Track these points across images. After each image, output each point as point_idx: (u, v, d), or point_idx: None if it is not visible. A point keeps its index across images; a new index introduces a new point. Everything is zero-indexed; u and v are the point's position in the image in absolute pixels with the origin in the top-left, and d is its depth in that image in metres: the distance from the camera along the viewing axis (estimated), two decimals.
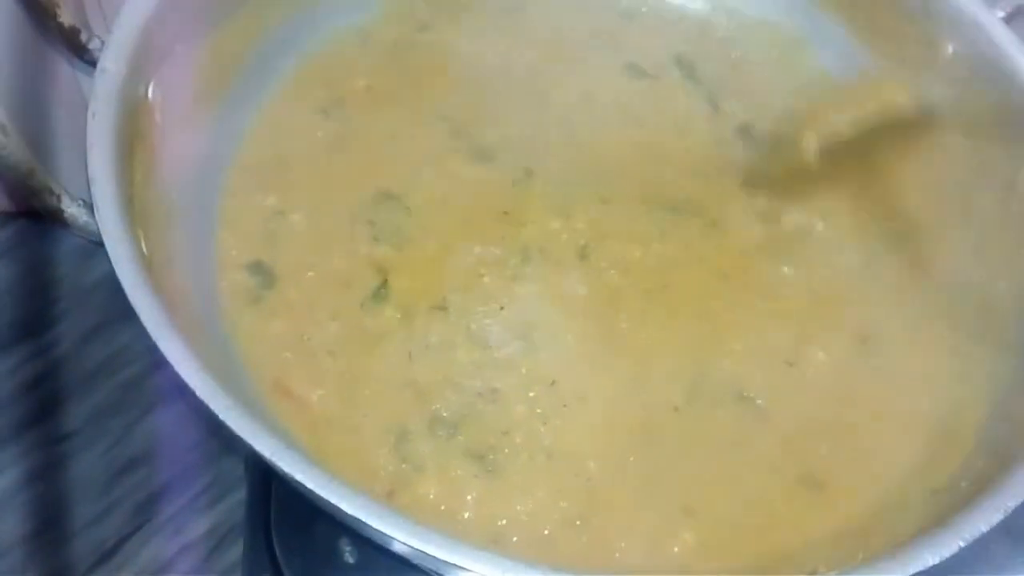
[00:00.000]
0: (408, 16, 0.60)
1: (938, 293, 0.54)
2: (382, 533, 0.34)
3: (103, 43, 0.46)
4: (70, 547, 0.59)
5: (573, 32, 0.62)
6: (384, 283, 0.50)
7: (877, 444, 0.49)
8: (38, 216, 0.66)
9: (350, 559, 0.51)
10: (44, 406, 0.63)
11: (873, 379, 0.51)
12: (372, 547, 0.50)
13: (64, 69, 0.57)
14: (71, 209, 0.42)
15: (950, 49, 0.56)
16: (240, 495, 0.60)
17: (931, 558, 0.37)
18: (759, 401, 0.50)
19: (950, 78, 0.56)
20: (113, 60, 0.45)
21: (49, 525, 0.59)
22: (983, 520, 0.39)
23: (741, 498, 0.47)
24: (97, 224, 0.40)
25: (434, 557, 0.34)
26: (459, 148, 0.56)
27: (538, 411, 0.48)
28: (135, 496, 0.61)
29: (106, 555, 0.59)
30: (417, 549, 0.34)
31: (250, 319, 0.48)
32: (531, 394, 0.48)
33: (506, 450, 0.47)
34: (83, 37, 0.46)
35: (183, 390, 0.37)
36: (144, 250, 0.42)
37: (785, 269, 0.55)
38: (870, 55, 0.60)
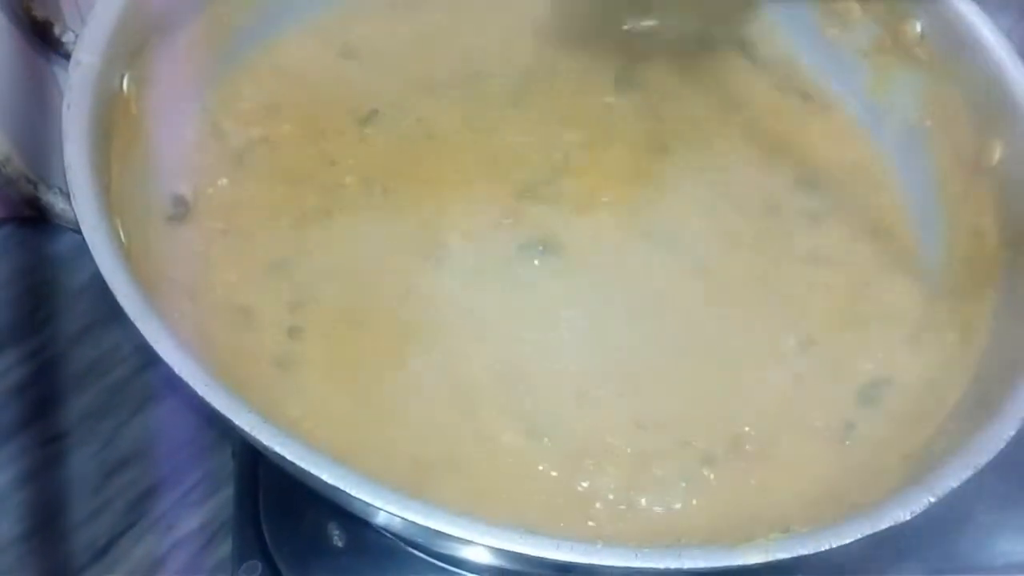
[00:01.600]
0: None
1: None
2: (363, 503, 0.35)
3: (76, 36, 0.46)
4: (63, 547, 0.59)
5: None
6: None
7: None
8: (23, 221, 0.67)
9: (339, 543, 0.51)
10: (35, 408, 0.63)
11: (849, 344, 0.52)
12: (360, 530, 0.51)
13: (39, 62, 0.57)
14: (47, 197, 0.42)
15: (918, 27, 0.56)
16: (230, 491, 0.60)
17: (902, 514, 0.38)
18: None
19: (919, 56, 0.57)
20: (87, 52, 0.45)
21: (42, 526, 0.60)
22: (954, 477, 0.39)
23: None
24: (74, 212, 0.41)
25: (416, 524, 0.35)
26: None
27: None
28: (127, 495, 0.61)
29: (99, 553, 0.59)
30: (400, 517, 0.35)
31: None
32: None
33: None
34: (56, 30, 0.47)
35: (169, 376, 0.37)
36: (122, 238, 0.42)
37: None
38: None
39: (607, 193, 0.55)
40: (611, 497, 0.45)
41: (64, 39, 0.47)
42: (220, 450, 0.62)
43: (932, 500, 0.38)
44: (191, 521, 0.61)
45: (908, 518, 0.37)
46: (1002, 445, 0.41)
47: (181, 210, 0.50)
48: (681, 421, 0.48)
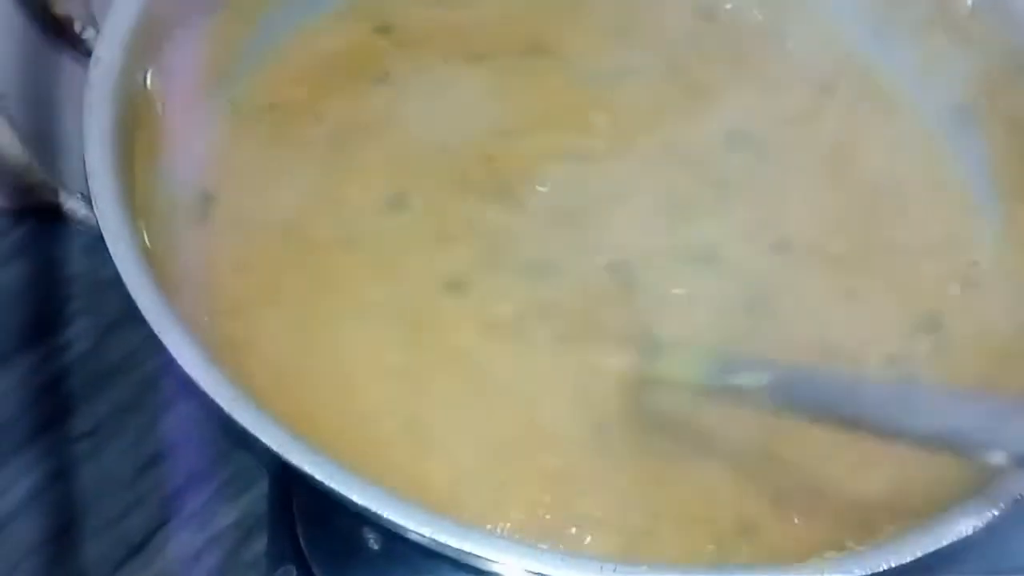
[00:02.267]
0: None
1: None
2: (394, 523, 0.34)
3: (98, 32, 0.45)
4: (97, 544, 0.58)
5: None
6: None
7: None
8: (47, 213, 0.66)
9: (375, 546, 0.50)
10: (64, 405, 0.63)
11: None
12: (396, 534, 0.50)
13: (61, 60, 0.56)
14: (69, 204, 0.41)
15: (969, 2, 0.55)
16: (265, 485, 0.59)
17: (964, 528, 0.36)
18: None
19: (970, 33, 0.55)
20: (108, 49, 0.44)
21: (75, 523, 0.59)
22: (1018, 486, 0.37)
23: None
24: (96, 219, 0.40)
25: (449, 546, 0.34)
26: None
27: None
28: (160, 491, 0.60)
29: (135, 550, 0.59)
30: (432, 538, 0.34)
31: None
32: None
33: None
34: (77, 27, 0.46)
35: (189, 386, 0.36)
36: (147, 242, 0.41)
37: None
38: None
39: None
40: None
41: (85, 36, 0.46)
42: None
43: (996, 513, 0.36)
44: (226, 516, 0.60)
45: (971, 533, 0.36)
46: None
47: (210, 207, 0.49)
48: None
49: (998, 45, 0.54)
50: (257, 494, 0.61)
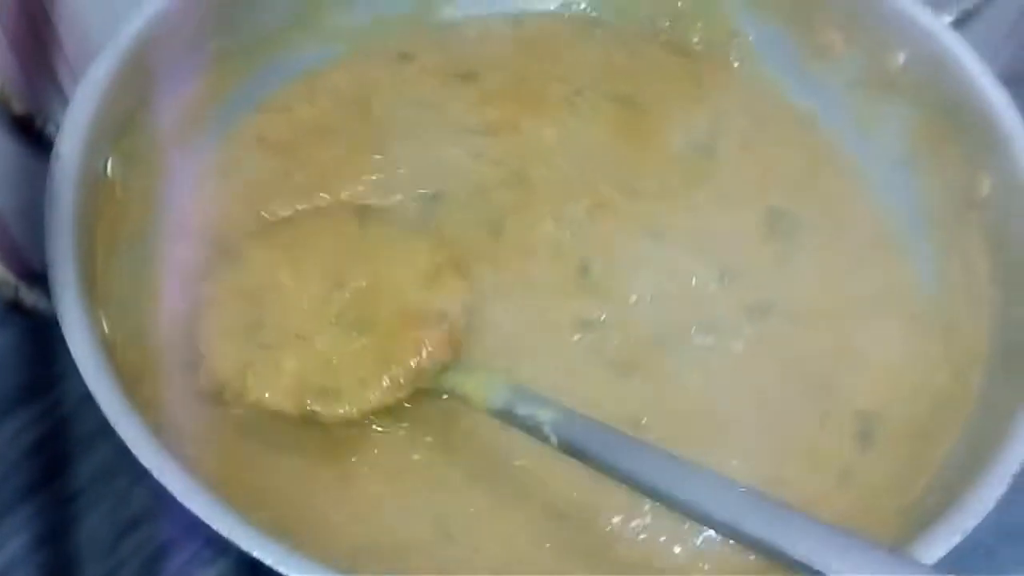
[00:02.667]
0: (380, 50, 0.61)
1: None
2: None
3: (58, 127, 0.46)
4: None
5: None
6: None
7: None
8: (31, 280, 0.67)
9: None
10: (49, 468, 0.63)
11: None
12: None
13: (26, 157, 0.56)
14: (29, 299, 0.42)
15: (901, 58, 0.56)
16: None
17: None
18: None
19: (903, 87, 0.57)
20: (68, 143, 0.45)
21: None
22: (941, 545, 0.39)
23: None
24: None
25: None
26: None
27: None
28: (142, 552, 0.61)
29: None
30: None
31: None
32: None
33: None
34: (38, 123, 0.46)
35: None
36: (106, 330, 0.43)
37: None
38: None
39: None
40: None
41: (47, 132, 0.46)
42: None
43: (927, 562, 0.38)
44: None
45: None
46: (991, 506, 0.40)
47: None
48: None
49: (932, 98, 0.55)
50: (234, 556, 0.61)
